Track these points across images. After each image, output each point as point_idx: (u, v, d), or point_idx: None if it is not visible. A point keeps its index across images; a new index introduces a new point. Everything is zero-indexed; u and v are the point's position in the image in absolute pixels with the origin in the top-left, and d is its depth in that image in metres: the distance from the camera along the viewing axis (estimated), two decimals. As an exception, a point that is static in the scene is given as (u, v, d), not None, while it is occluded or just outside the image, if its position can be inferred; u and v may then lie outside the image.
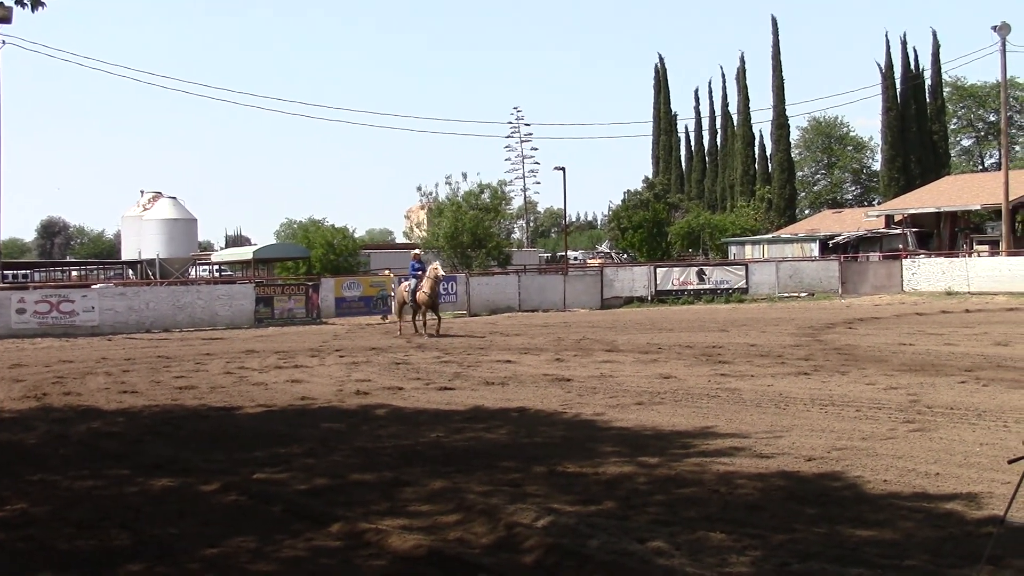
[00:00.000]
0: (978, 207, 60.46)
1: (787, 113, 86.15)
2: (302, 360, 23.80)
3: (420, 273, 31.12)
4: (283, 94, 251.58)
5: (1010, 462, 6.80)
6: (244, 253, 63.64)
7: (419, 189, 66.62)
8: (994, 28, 50.55)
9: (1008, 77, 58.11)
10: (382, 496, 9.40)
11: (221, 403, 16.59)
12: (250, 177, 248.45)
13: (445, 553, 7.48)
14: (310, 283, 43.17)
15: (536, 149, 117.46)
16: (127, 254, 73.83)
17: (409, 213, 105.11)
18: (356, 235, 69.10)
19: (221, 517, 8.94)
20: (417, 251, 35.08)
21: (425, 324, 30.51)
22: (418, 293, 30.42)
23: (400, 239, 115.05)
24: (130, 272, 70.22)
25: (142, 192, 75.04)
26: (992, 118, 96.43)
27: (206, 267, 72.67)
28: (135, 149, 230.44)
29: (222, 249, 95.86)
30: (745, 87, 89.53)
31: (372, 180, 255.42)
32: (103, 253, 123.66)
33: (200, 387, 18.90)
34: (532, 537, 7.70)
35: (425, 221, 68.47)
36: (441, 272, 31.03)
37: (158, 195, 73.08)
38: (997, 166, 74.27)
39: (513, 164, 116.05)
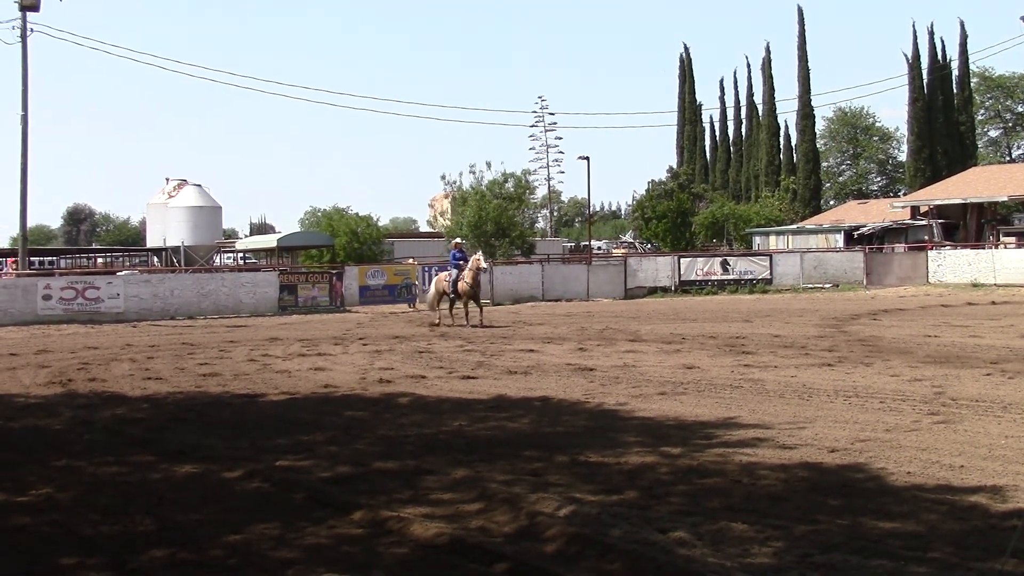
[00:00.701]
0: (1005, 198, 59.99)
1: (812, 103, 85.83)
2: (325, 348, 23.86)
3: (462, 263, 30.47)
4: (309, 82, 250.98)
5: (1035, 455, 6.78)
6: (268, 241, 63.79)
7: (443, 178, 66.52)
8: (1022, 18, 50.31)
9: (1036, 67, 57.49)
10: (404, 484, 9.41)
11: (245, 390, 16.66)
12: (275, 165, 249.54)
13: (467, 541, 7.49)
14: (334, 271, 43.26)
15: (560, 138, 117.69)
16: (152, 241, 74.26)
17: (433, 202, 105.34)
18: (380, 224, 69.11)
19: (244, 504, 8.98)
20: (458, 240, 34.40)
21: (467, 315, 29.84)
22: (460, 283, 29.78)
23: (424, 228, 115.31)
24: (155, 259, 70.52)
25: (167, 179, 75.47)
26: (1020, 109, 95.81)
27: (230, 255, 72.89)
28: (161, 137, 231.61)
29: (246, 237, 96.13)
30: (770, 77, 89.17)
31: (396, 169, 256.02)
32: (128, 240, 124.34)
33: (224, 374, 18.97)
34: (554, 526, 7.70)
35: (449, 210, 68.45)
36: (484, 263, 30.48)
37: (183, 183, 73.44)
38: (1024, 157, 73.67)
39: (537, 153, 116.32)
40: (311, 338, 26.86)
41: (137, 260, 76.73)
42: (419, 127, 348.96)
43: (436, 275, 34.37)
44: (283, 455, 10.92)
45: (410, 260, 47.11)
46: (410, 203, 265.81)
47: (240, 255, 72.00)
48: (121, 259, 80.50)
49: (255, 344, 25.46)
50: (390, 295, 42.75)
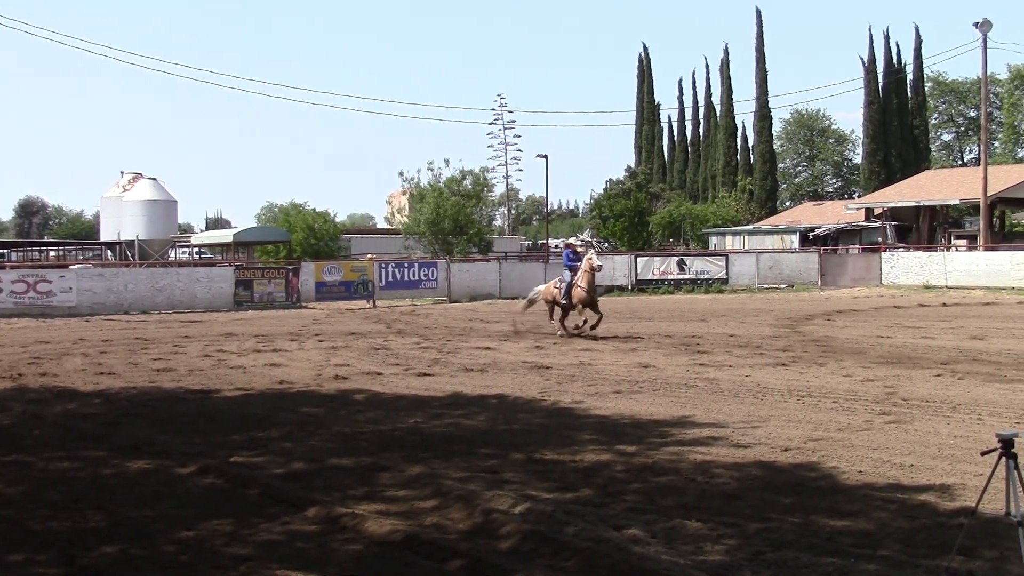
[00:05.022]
0: (957, 202, 60.68)
1: (770, 105, 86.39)
2: (281, 344, 23.75)
3: (577, 266, 25.34)
4: (266, 77, 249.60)
5: (983, 454, 6.88)
6: (224, 236, 63.35)
7: (401, 175, 66.43)
8: (976, 24, 50.71)
9: (989, 73, 58.28)
10: (359, 481, 9.40)
11: (199, 386, 16.56)
12: (232, 160, 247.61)
13: (421, 538, 7.50)
14: (290, 267, 43.03)
15: (519, 136, 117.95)
16: (106, 235, 73.57)
17: (391, 198, 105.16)
18: (337, 220, 68.91)
19: (197, 500, 8.94)
20: (572, 240, 27.99)
21: (585, 323, 24.65)
22: (575, 290, 24.86)
23: (382, 224, 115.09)
24: (109, 253, 69.95)
25: (122, 173, 74.73)
26: (972, 113, 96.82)
27: (186, 249, 72.33)
28: (116, 129, 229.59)
29: (202, 231, 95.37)
30: (728, 78, 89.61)
31: (354, 165, 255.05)
32: (82, 234, 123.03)
33: (178, 370, 18.85)
34: (509, 524, 7.72)
35: (407, 207, 68.42)
36: (597, 262, 25.14)
37: (138, 176, 72.76)
38: (976, 161, 74.54)
39: (496, 151, 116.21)
40: (267, 334, 26.72)
41: (91, 254, 76.08)
42: (377, 123, 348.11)
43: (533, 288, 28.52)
44: (237, 451, 10.88)
45: (367, 256, 46.86)
46: (368, 199, 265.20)
47: (195, 250, 71.45)
48: (74, 253, 79.76)
49: (210, 339, 25.29)
50: (347, 291, 42.55)
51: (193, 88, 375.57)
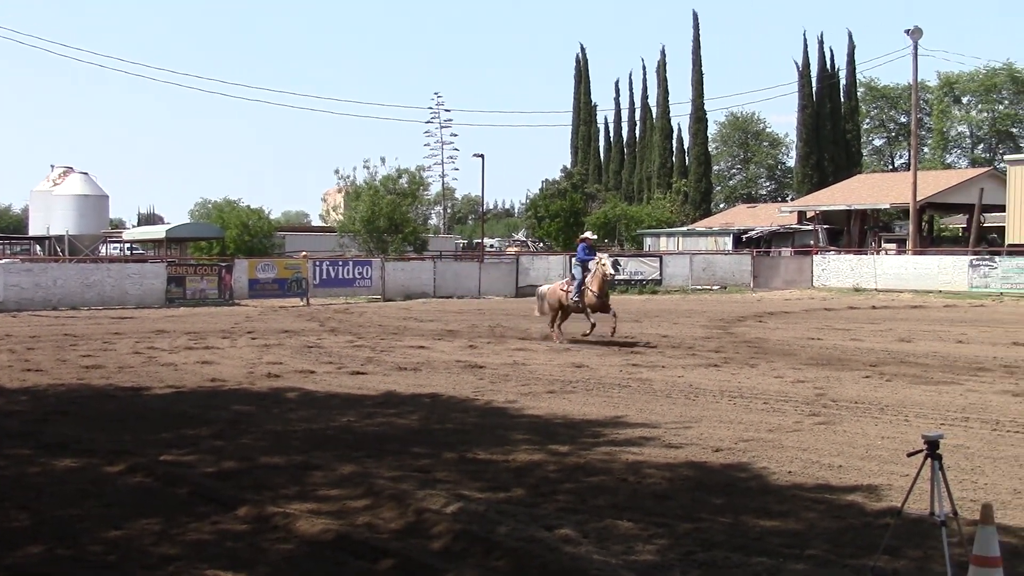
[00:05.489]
0: (887, 206, 61.68)
1: (705, 107, 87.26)
2: (213, 341, 23.53)
3: (588, 262, 23.72)
4: (202, 72, 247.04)
5: (909, 455, 6.99)
6: (156, 232, 62.62)
7: (337, 172, 66.00)
8: (907, 32, 51.54)
9: (919, 80, 59.28)
10: (291, 480, 9.35)
11: (129, 383, 16.37)
12: (165, 155, 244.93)
13: (353, 537, 7.47)
14: (223, 264, 42.63)
15: (456, 135, 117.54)
16: (35, 230, 72.23)
17: (326, 196, 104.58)
18: (272, 217, 68.37)
19: (126, 499, 8.83)
20: (587, 234, 24.79)
21: (592, 328, 23.06)
22: (585, 292, 23.28)
23: (316, 222, 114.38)
24: (38, 248, 68.74)
25: (52, 167, 73.45)
26: (903, 119, 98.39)
27: (117, 245, 71.34)
28: (47, 123, 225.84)
29: (134, 227, 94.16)
30: (665, 80, 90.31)
31: (290, 162, 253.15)
32: (10, 228, 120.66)
33: (108, 366, 18.61)
34: (441, 523, 7.71)
35: (342, 205, 67.95)
36: (611, 269, 23.76)
37: (69, 170, 71.57)
38: (906, 166, 75.73)
39: (432, 150, 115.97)
40: (199, 331, 26.46)
41: (19, 248, 74.70)
42: (314, 121, 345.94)
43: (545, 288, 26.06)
44: (167, 449, 10.77)
45: (302, 254, 46.55)
46: (303, 197, 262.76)
47: (127, 246, 70.53)
48: (2, 247, 78.34)
49: (141, 336, 24.99)
50: (280, 289, 42.23)
51: (127, 82, 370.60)
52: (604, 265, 23.34)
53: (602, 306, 23.31)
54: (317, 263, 44.36)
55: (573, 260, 25.69)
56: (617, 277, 47.67)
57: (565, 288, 23.96)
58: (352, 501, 8.57)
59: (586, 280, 23.41)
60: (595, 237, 32.58)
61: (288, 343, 23.26)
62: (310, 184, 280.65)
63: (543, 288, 25.61)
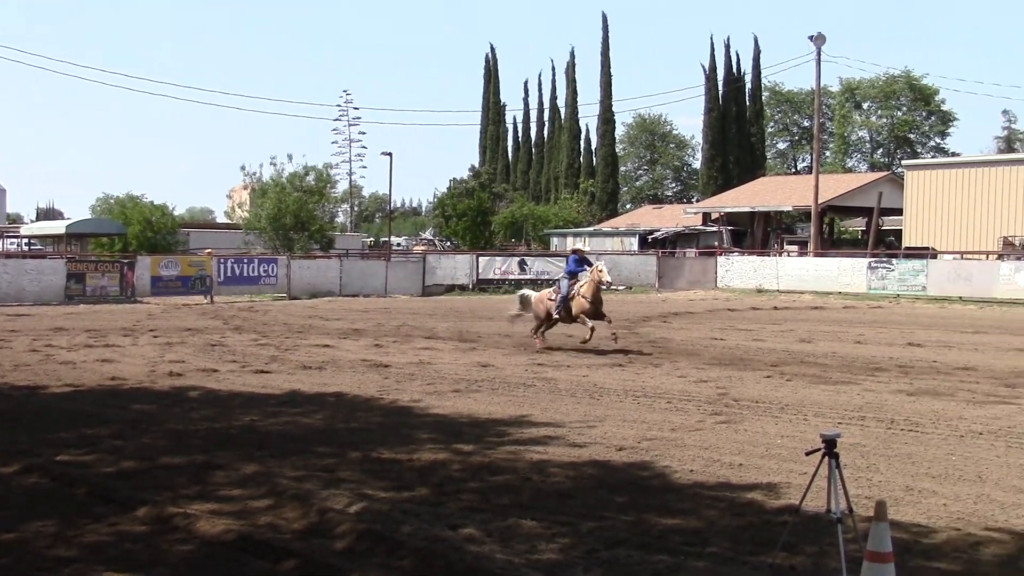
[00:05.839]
0: (790, 208, 62.77)
1: (613, 109, 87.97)
2: (114, 339, 23.12)
3: (579, 273, 22.74)
4: (105, 65, 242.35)
5: (807, 454, 7.15)
6: (56, 227, 61.29)
7: (243, 169, 65.75)
8: (811, 38, 52.40)
9: (822, 85, 60.39)
10: (192, 480, 9.25)
11: (25, 382, 16.04)
12: (65, 149, 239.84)
13: (255, 538, 7.41)
14: (125, 260, 41.90)
15: (364, 133, 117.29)
16: (-72, 224, 70.40)
17: (232, 193, 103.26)
18: (176, 213, 67.45)
19: (20, 500, 8.67)
20: (580, 246, 22.71)
21: (591, 335, 21.75)
22: (576, 300, 22.13)
23: (222, 219, 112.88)
24: (-69, 243, 66.93)
25: (-53, 160, 71.68)
26: (806, 123, 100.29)
27: (14, 240, 69.73)
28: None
29: (33, 222, 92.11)
30: (574, 81, 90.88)
31: (195, 158, 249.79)
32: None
33: (3, 364, 18.22)
34: (344, 523, 7.69)
35: (248, 201, 67.22)
36: (607, 277, 22.81)
37: (-36, 163, 69.88)
38: (809, 169, 77.29)
39: (340, 147, 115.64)
40: (99, 329, 25.98)
41: (-90, 243, 72.69)
42: (219, 116, 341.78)
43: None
44: (64, 449, 10.58)
45: (206, 251, 45.93)
46: (208, 193, 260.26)
47: (25, 241, 68.97)
48: None
49: (38, 334, 24.46)
50: (184, 286, 41.61)
51: (26, 73, 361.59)
52: (601, 272, 22.41)
53: (596, 313, 22.17)
54: (222, 260, 43.78)
55: (562, 271, 24.68)
56: (524, 277, 48.06)
57: (552, 298, 22.77)
58: (254, 501, 8.50)
59: (578, 289, 22.26)
60: (588, 249, 31.61)
61: (191, 341, 22.95)
62: (216, 181, 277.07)
63: (528, 292, 24.61)
